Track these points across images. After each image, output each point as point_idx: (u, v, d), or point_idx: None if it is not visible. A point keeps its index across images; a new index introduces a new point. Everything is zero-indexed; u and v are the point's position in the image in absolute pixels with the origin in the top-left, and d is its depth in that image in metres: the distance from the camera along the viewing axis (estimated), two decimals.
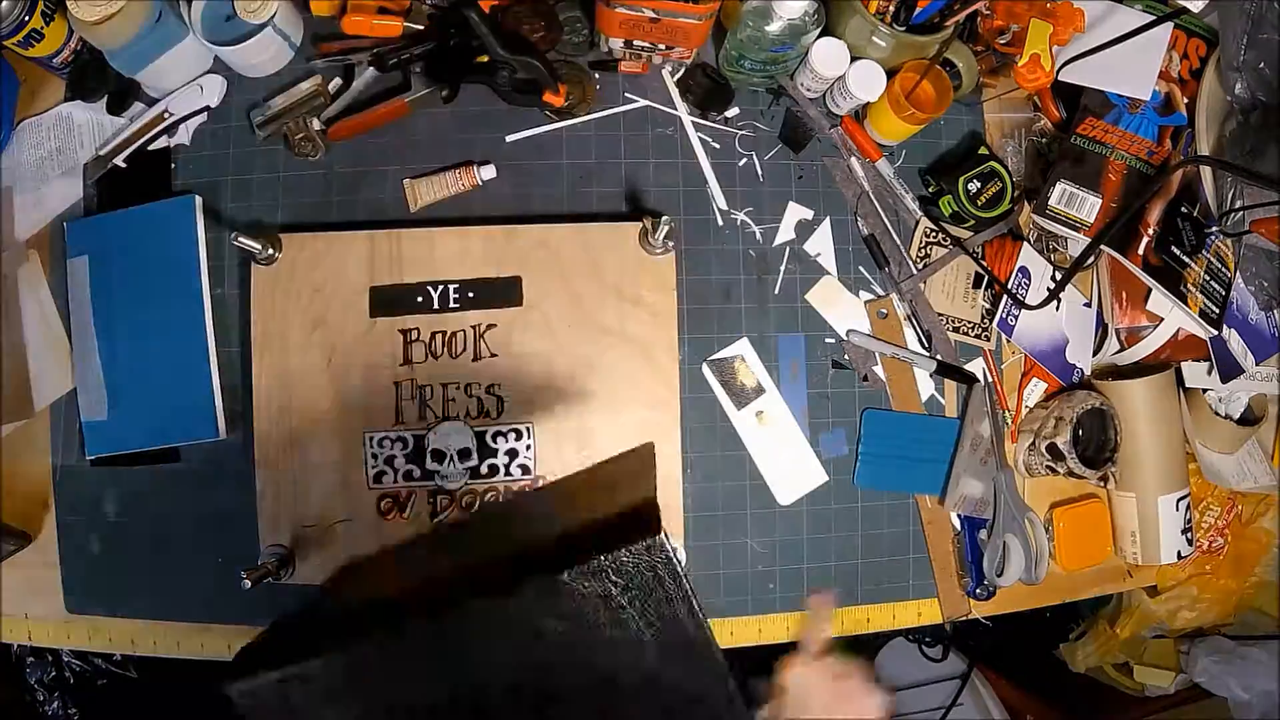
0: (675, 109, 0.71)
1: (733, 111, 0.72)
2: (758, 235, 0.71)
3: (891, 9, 0.65)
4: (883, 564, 0.71)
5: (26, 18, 0.62)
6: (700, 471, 0.69)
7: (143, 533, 0.67)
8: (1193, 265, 0.69)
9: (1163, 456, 0.72)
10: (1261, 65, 0.68)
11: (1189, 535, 0.73)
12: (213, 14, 0.65)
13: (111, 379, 0.66)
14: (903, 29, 0.65)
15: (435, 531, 0.61)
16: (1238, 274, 0.72)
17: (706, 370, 0.70)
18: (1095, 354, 0.75)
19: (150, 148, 0.69)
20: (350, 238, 0.64)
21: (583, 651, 0.39)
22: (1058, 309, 0.73)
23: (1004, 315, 0.71)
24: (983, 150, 0.72)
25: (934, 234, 0.72)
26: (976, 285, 0.73)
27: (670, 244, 0.64)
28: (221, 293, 0.68)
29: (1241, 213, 0.68)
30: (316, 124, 0.68)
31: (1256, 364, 0.73)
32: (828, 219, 0.72)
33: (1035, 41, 0.62)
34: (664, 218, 0.61)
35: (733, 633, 0.69)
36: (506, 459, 0.65)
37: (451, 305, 0.65)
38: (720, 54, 0.70)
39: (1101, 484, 0.71)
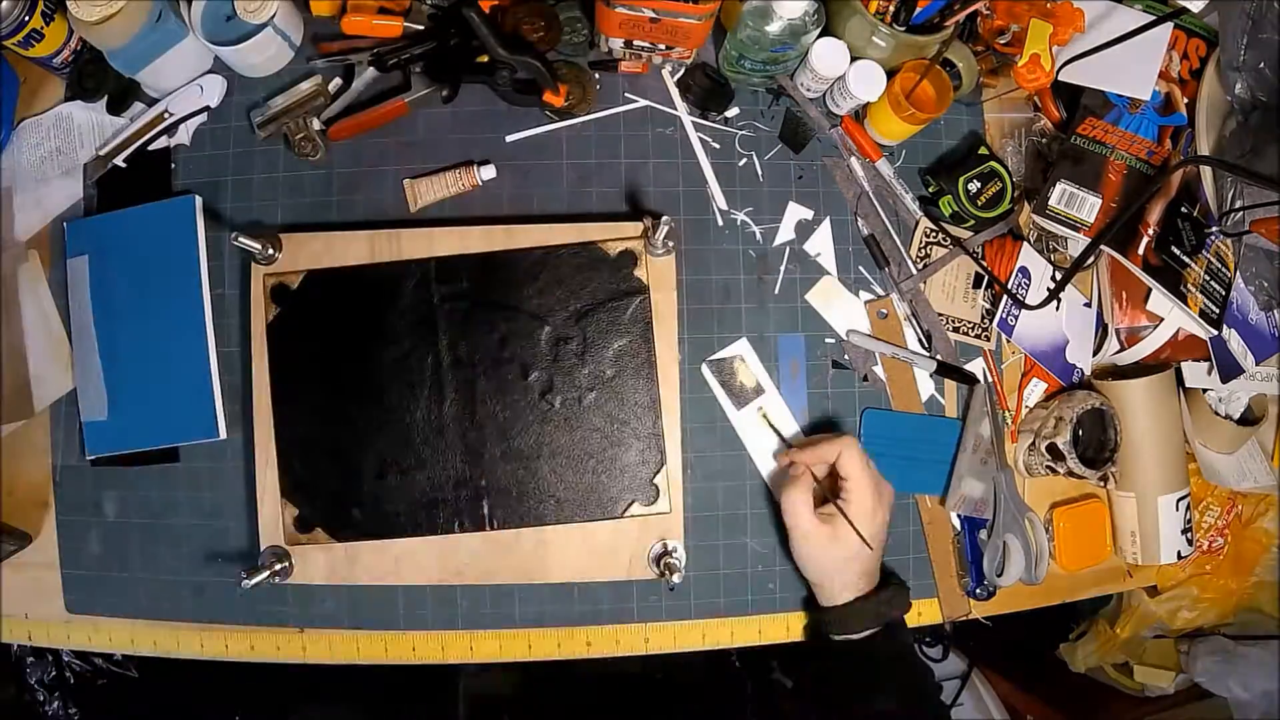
0: (675, 109, 0.71)
1: (733, 111, 0.72)
2: (758, 235, 0.71)
3: (891, 9, 0.65)
4: (883, 564, 0.71)
5: (26, 18, 0.62)
6: (700, 471, 0.69)
7: (143, 533, 0.67)
8: (1193, 265, 0.69)
9: (1163, 456, 0.72)
10: (1261, 65, 0.68)
11: (1189, 535, 0.73)
12: (213, 14, 0.65)
13: (111, 379, 0.66)
14: (903, 29, 0.65)
15: None
16: (1238, 274, 0.72)
17: (706, 370, 0.70)
18: (1095, 354, 0.75)
19: (150, 148, 0.69)
20: (349, 237, 0.64)
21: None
22: (1058, 309, 0.73)
23: (1004, 315, 0.71)
24: (983, 150, 0.72)
25: (934, 234, 0.72)
26: (976, 285, 0.73)
27: (671, 244, 0.64)
28: (221, 293, 0.68)
29: (1241, 213, 0.68)
30: (316, 124, 0.68)
31: (1256, 364, 0.73)
32: (828, 219, 0.72)
33: (1035, 41, 0.62)
34: (664, 218, 0.60)
35: (733, 633, 0.69)
36: None
37: None
38: (720, 54, 0.70)
39: (1101, 484, 0.71)
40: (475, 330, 0.64)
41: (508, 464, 0.63)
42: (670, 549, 0.63)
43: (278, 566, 0.61)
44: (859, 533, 0.58)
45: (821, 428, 0.70)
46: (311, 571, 0.63)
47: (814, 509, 0.60)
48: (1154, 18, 0.64)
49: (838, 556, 0.60)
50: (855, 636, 0.61)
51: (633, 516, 0.64)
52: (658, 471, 0.64)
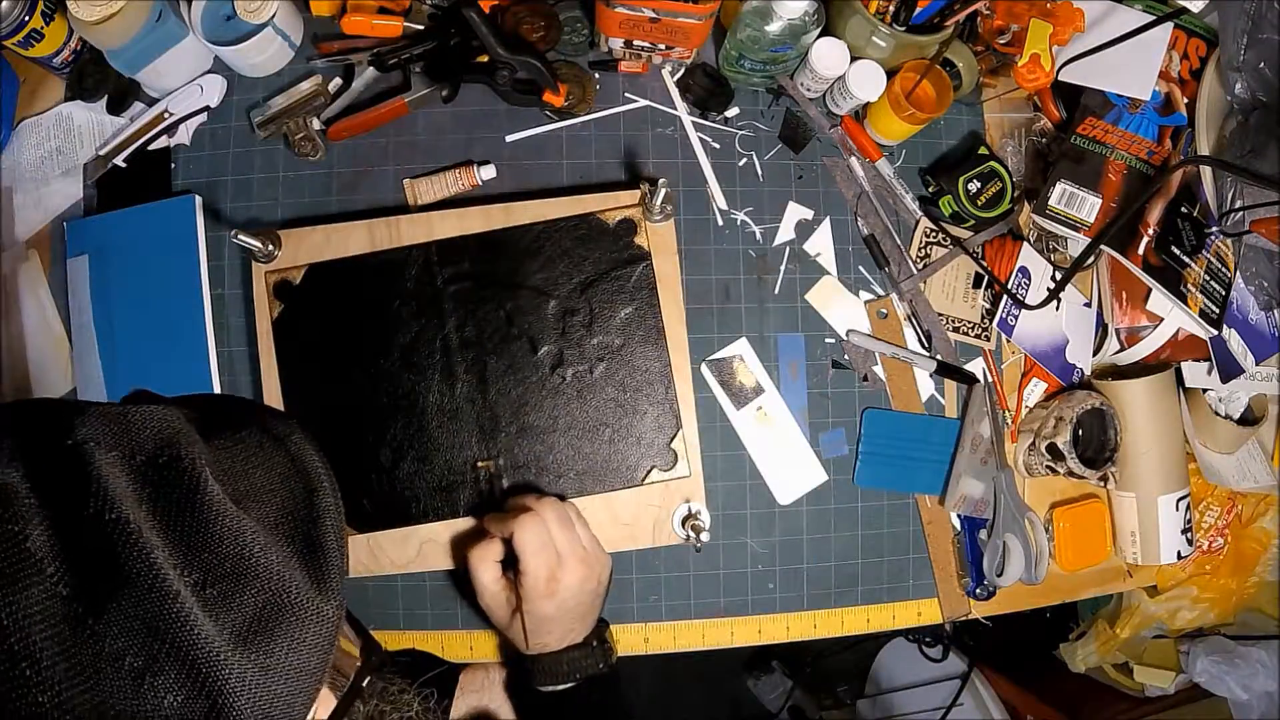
0: (675, 109, 0.71)
1: (733, 111, 0.72)
2: (758, 235, 0.71)
3: (891, 9, 0.65)
4: (883, 564, 0.71)
5: (26, 18, 0.62)
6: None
7: None
8: (1193, 265, 0.69)
9: (1163, 456, 0.72)
10: (1261, 65, 0.68)
11: (1189, 535, 0.73)
12: (213, 14, 0.65)
13: (111, 379, 0.66)
14: (903, 29, 0.65)
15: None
16: (1238, 274, 0.72)
17: (705, 370, 0.70)
18: (1095, 354, 0.75)
19: (150, 148, 0.69)
20: (349, 227, 0.64)
21: None
22: (1058, 309, 0.73)
23: (1004, 315, 0.71)
24: (983, 150, 0.72)
25: (934, 234, 0.72)
26: (976, 285, 0.73)
27: (669, 209, 0.64)
28: (221, 292, 0.68)
29: (1241, 213, 0.68)
30: (316, 124, 0.68)
31: (1256, 364, 0.73)
32: (828, 219, 0.72)
33: (1035, 41, 0.62)
34: (661, 180, 0.60)
35: (733, 633, 0.69)
36: None
37: None
38: (720, 54, 0.70)
39: (1101, 484, 0.71)
40: (481, 310, 0.64)
41: (524, 440, 0.64)
42: (694, 511, 0.64)
43: None
44: (523, 618, 0.55)
45: (820, 427, 0.70)
46: None
47: (501, 573, 0.57)
48: (1154, 18, 0.64)
49: (523, 612, 0.56)
50: (560, 687, 0.57)
51: (653, 483, 0.64)
52: (674, 436, 0.64)
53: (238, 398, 0.35)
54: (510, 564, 0.56)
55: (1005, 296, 0.71)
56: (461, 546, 0.63)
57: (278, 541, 0.30)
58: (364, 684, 0.35)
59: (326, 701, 0.32)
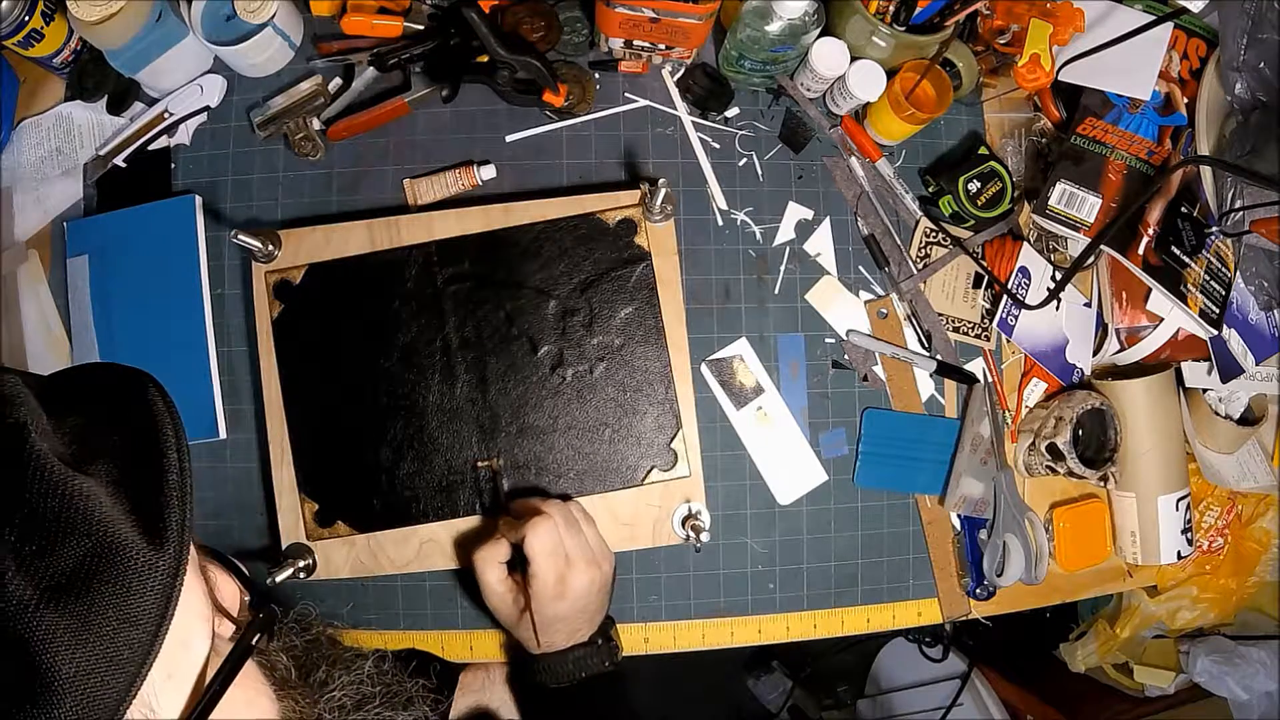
0: (675, 109, 0.71)
1: (733, 111, 0.72)
2: (758, 235, 0.71)
3: (891, 9, 0.65)
4: (883, 564, 0.71)
5: (26, 18, 0.62)
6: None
7: None
8: (1193, 265, 0.69)
9: (1163, 456, 0.72)
10: (1261, 65, 0.68)
11: (1189, 535, 0.73)
12: (213, 14, 0.65)
13: None
14: (903, 29, 0.65)
15: None
16: (1238, 274, 0.72)
17: (705, 370, 0.70)
18: (1095, 354, 0.75)
19: (150, 148, 0.69)
20: (349, 227, 0.64)
21: None
22: (1058, 309, 0.73)
23: (1004, 315, 0.71)
24: (983, 150, 0.72)
25: (934, 234, 0.72)
26: (976, 285, 0.73)
27: (669, 209, 0.64)
28: (221, 292, 0.68)
29: (1241, 213, 0.68)
30: (316, 124, 0.68)
31: (1256, 364, 0.73)
32: (828, 219, 0.72)
33: (1035, 41, 0.62)
34: (661, 180, 0.60)
35: (733, 633, 0.69)
36: None
37: None
38: (720, 54, 0.70)
39: (1101, 484, 0.71)
40: (481, 310, 0.64)
41: (524, 441, 0.64)
42: (694, 511, 0.64)
43: (301, 564, 0.61)
44: (532, 619, 0.56)
45: (820, 427, 0.70)
46: (335, 567, 0.63)
47: (507, 573, 0.58)
48: (1154, 18, 0.64)
49: (533, 613, 0.57)
50: (565, 684, 0.58)
51: (653, 483, 0.64)
52: (674, 436, 0.64)
53: (108, 365, 0.37)
54: (516, 564, 0.57)
55: (1005, 296, 0.71)
56: (462, 546, 0.63)
57: (113, 497, 0.30)
58: (255, 641, 0.34)
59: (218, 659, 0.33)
